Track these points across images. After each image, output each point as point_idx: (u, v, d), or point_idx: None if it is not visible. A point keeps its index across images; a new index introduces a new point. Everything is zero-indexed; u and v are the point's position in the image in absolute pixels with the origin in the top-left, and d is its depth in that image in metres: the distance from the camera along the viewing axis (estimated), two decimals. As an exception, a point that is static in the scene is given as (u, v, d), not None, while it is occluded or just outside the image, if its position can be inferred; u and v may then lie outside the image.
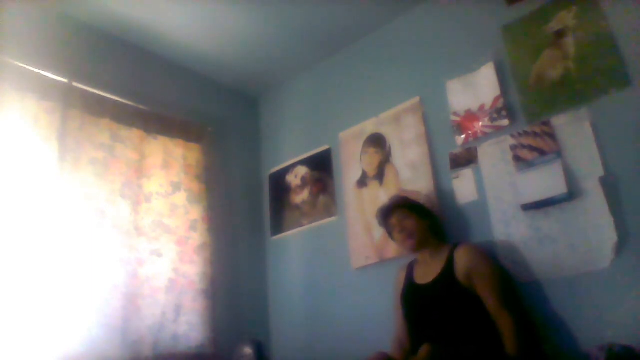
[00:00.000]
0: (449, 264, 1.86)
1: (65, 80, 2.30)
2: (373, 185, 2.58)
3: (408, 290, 2.00)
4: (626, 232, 1.73)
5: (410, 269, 2.06)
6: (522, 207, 1.98)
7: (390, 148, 2.56)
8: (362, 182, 2.64)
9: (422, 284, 1.94)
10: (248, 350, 2.25)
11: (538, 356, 1.76)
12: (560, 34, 2.02)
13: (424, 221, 2.02)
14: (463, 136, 2.25)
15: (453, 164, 2.26)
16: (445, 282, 1.84)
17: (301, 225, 2.88)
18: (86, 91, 2.37)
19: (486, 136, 2.17)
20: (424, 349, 1.60)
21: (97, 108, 2.38)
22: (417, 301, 1.94)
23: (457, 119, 2.28)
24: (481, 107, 2.21)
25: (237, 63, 3.00)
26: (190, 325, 2.41)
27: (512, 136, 2.08)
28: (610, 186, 1.79)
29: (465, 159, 2.22)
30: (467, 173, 2.20)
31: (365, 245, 2.51)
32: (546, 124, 1.99)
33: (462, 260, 1.84)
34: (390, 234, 2.13)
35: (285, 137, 3.16)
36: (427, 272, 1.94)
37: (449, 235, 2.13)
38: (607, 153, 1.82)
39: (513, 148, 2.06)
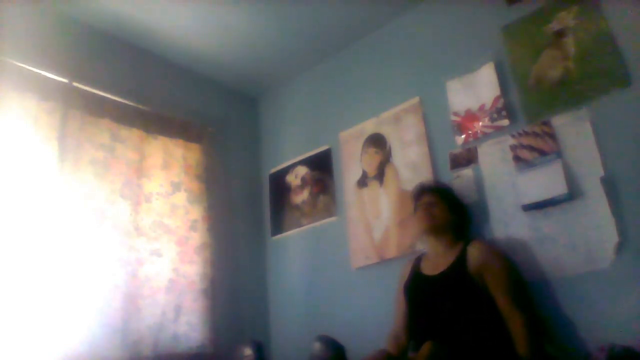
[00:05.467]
0: (461, 258, 1.83)
1: (65, 80, 2.30)
2: (373, 185, 2.58)
3: (414, 280, 1.98)
4: (626, 232, 1.73)
5: (417, 262, 2.04)
6: (522, 207, 1.98)
7: (390, 148, 2.56)
8: (362, 182, 2.64)
9: (429, 274, 1.92)
10: (248, 351, 2.24)
11: (546, 357, 1.73)
12: (560, 34, 2.02)
13: (451, 215, 1.98)
14: (463, 136, 2.25)
15: (453, 164, 2.26)
16: (455, 274, 1.81)
17: (301, 225, 2.88)
18: (86, 91, 2.37)
19: (486, 136, 2.17)
20: (425, 347, 1.59)
21: (97, 108, 2.38)
22: (423, 291, 1.91)
23: (457, 119, 2.28)
24: (481, 107, 2.21)
25: (237, 63, 3.00)
26: (190, 325, 2.42)
27: (512, 136, 2.08)
28: (610, 186, 1.79)
29: (465, 159, 2.22)
30: (467, 173, 2.20)
31: (365, 245, 2.51)
32: (546, 124, 1.99)
33: (475, 256, 1.81)
34: (415, 210, 2.09)
35: (285, 137, 3.16)
36: (436, 264, 1.92)
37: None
38: (607, 153, 1.82)
39: (513, 148, 2.06)
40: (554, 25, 2.04)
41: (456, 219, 2.00)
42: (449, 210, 1.99)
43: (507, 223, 2.02)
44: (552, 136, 1.96)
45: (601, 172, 1.82)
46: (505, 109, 2.12)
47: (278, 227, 3.02)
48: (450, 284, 1.81)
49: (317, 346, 2.04)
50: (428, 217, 1.97)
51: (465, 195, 2.14)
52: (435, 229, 1.96)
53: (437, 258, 1.95)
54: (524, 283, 1.86)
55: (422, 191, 2.08)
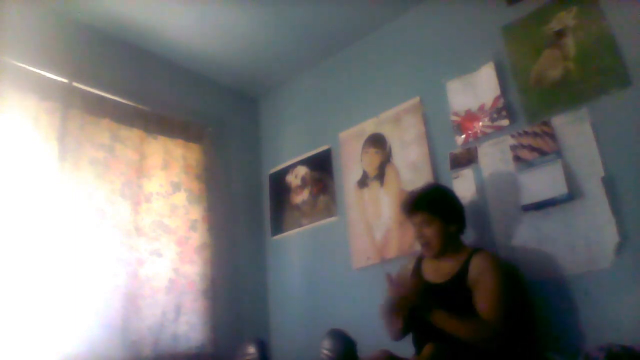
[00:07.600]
0: (465, 268, 1.78)
1: (65, 80, 2.30)
2: (374, 185, 2.58)
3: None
4: (626, 232, 1.73)
5: (418, 264, 1.97)
6: (522, 207, 1.98)
7: (390, 148, 2.56)
8: (363, 182, 2.64)
9: (434, 282, 1.85)
10: (251, 349, 2.25)
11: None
12: (560, 34, 2.02)
13: (448, 226, 1.84)
14: (463, 136, 2.25)
15: (453, 164, 2.26)
16: (458, 285, 1.76)
17: (301, 225, 2.88)
18: (86, 91, 2.37)
19: (486, 136, 2.17)
20: (427, 348, 1.59)
21: (97, 108, 2.38)
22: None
23: (457, 119, 2.28)
24: (481, 107, 2.21)
25: (237, 63, 3.00)
26: (190, 325, 2.42)
27: (512, 136, 2.08)
28: (610, 186, 1.79)
29: (465, 159, 2.22)
30: (467, 173, 2.20)
31: (366, 245, 2.51)
32: (546, 124, 1.99)
33: (475, 268, 1.75)
34: (408, 221, 1.98)
35: (285, 137, 3.16)
36: (440, 270, 1.85)
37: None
38: (607, 153, 1.82)
39: (513, 148, 2.06)
40: (554, 25, 2.04)
41: (454, 228, 1.87)
42: (445, 224, 1.84)
43: (507, 223, 2.02)
44: (552, 136, 1.96)
45: (601, 172, 1.82)
46: (505, 109, 2.12)
47: (278, 227, 3.02)
48: (452, 295, 1.76)
49: (327, 340, 2.03)
50: (424, 245, 1.86)
51: (465, 196, 2.13)
52: (437, 254, 1.86)
53: (439, 263, 1.88)
54: (516, 302, 1.77)
55: (411, 209, 1.89)
